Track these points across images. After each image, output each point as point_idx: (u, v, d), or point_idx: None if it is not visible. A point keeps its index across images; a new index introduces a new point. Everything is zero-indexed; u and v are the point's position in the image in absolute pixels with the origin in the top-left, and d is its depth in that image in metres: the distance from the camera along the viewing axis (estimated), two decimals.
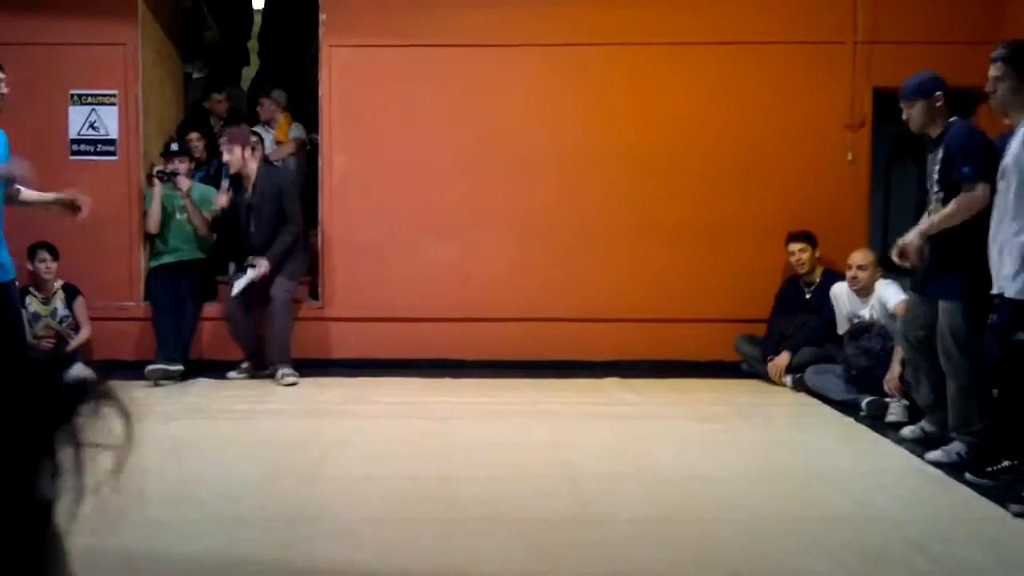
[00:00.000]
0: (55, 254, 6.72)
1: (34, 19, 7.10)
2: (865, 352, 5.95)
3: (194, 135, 7.71)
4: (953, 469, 4.58)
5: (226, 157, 6.83)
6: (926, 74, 4.95)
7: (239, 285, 6.70)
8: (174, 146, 7.21)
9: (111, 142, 7.20)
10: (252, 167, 6.83)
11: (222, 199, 6.92)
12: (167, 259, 7.11)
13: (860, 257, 6.23)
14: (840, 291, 6.36)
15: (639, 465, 4.74)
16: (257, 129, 7.75)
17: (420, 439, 5.22)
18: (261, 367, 6.87)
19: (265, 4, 9.10)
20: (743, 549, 3.61)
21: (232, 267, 7.31)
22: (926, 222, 4.86)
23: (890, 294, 6.01)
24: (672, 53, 7.23)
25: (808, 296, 6.81)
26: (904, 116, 4.99)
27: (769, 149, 7.25)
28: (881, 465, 4.80)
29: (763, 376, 6.74)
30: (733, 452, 4.99)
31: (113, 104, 7.18)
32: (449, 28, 7.22)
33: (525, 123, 7.27)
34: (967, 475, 4.41)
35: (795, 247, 6.79)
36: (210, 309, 7.16)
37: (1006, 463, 4.33)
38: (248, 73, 9.32)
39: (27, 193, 5.01)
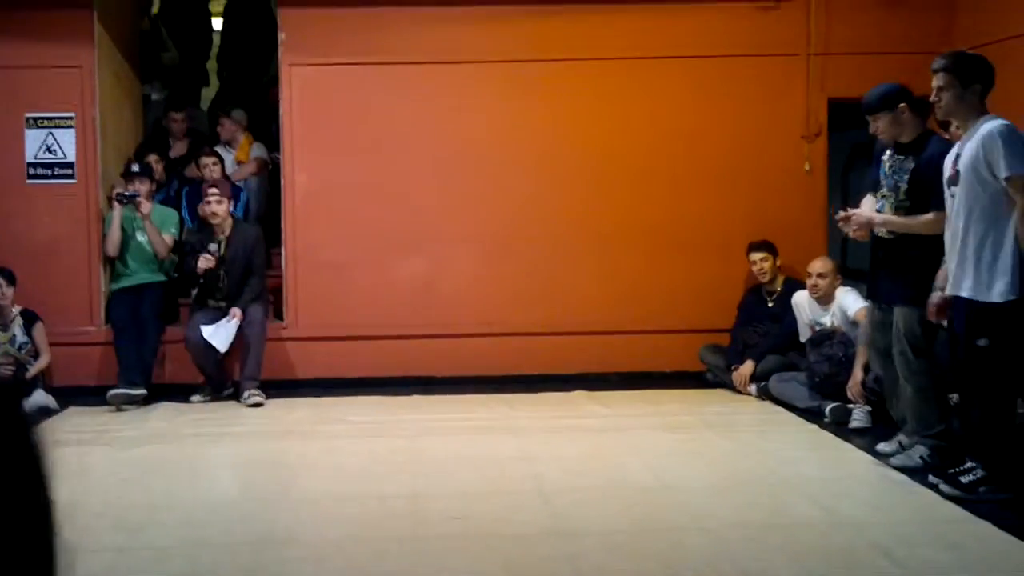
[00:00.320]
0: (12, 280, 6.61)
1: None
2: (827, 359, 6.01)
3: (153, 157, 7.63)
4: (917, 473, 4.65)
5: (215, 209, 6.80)
6: (889, 86, 4.98)
7: (220, 337, 6.66)
8: (135, 167, 7.15)
9: (69, 165, 7.12)
10: (229, 222, 6.92)
11: (210, 262, 6.81)
12: (127, 282, 7.03)
13: (820, 265, 6.31)
14: (801, 299, 6.43)
15: (609, 477, 4.76)
16: (218, 149, 7.71)
17: (389, 457, 5.21)
18: (221, 388, 6.82)
19: (224, 25, 9.07)
20: (712, 557, 3.63)
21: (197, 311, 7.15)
22: (886, 219, 4.89)
23: (850, 301, 6.08)
24: (632, 67, 7.29)
25: (770, 305, 6.88)
26: (871, 128, 5.01)
27: (728, 160, 7.32)
28: (846, 471, 4.86)
29: (728, 385, 6.80)
30: (700, 462, 5.03)
31: (70, 127, 7.10)
32: (409, 45, 7.23)
33: (488, 139, 7.29)
34: (930, 478, 4.47)
35: (756, 256, 6.86)
36: (172, 332, 7.09)
37: (970, 464, 4.38)
38: (208, 94, 9.27)
39: None
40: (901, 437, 5.21)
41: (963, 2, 7.08)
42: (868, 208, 5.04)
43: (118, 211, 6.99)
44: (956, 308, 4.42)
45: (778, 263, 6.86)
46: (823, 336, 6.15)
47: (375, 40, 7.22)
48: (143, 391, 6.59)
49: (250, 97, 8.52)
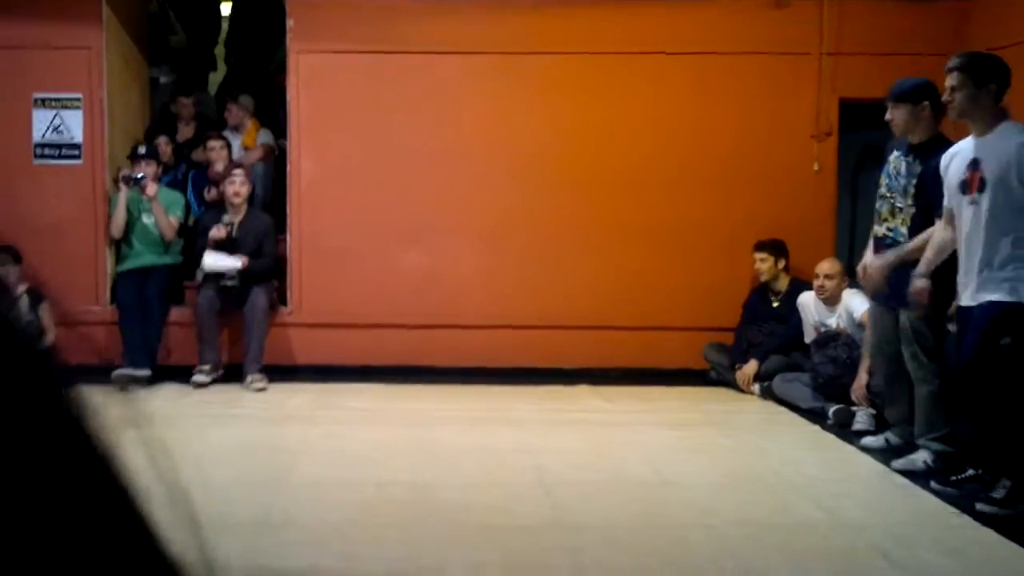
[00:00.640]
0: (18, 258, 6.63)
1: None
2: (832, 361, 5.99)
3: (162, 139, 7.64)
4: (920, 477, 4.64)
5: (238, 189, 6.87)
6: (919, 80, 4.93)
7: (214, 262, 6.70)
8: (142, 149, 7.14)
9: (76, 146, 7.12)
10: (245, 206, 6.99)
11: (222, 232, 6.83)
12: (133, 264, 7.04)
13: (827, 266, 6.28)
14: (807, 300, 6.41)
15: (610, 472, 4.75)
16: (225, 134, 7.70)
17: (389, 445, 5.19)
18: (219, 367, 6.84)
19: (232, 10, 9.05)
20: (712, 555, 3.62)
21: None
22: (894, 254, 4.84)
23: (857, 303, 6.06)
24: (640, 62, 7.27)
25: (775, 305, 6.86)
26: (888, 116, 4.95)
27: (736, 159, 7.30)
28: (847, 472, 4.84)
29: (731, 384, 6.79)
30: (702, 459, 5.01)
31: (78, 108, 7.10)
32: (417, 35, 7.21)
33: (494, 129, 7.27)
34: (932, 483, 4.46)
35: (757, 256, 6.85)
36: (177, 314, 7.09)
37: (971, 472, 4.37)
38: (215, 79, 9.25)
39: None
40: (889, 435, 5.22)
41: (978, 3, 7.04)
42: (870, 255, 5.04)
43: (124, 193, 6.98)
44: (972, 316, 4.28)
45: (782, 264, 6.83)
46: (828, 338, 6.13)
47: (383, 28, 7.21)
48: (147, 372, 6.60)
49: (257, 83, 8.50)
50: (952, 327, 4.70)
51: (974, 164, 4.29)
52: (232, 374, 6.86)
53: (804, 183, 7.29)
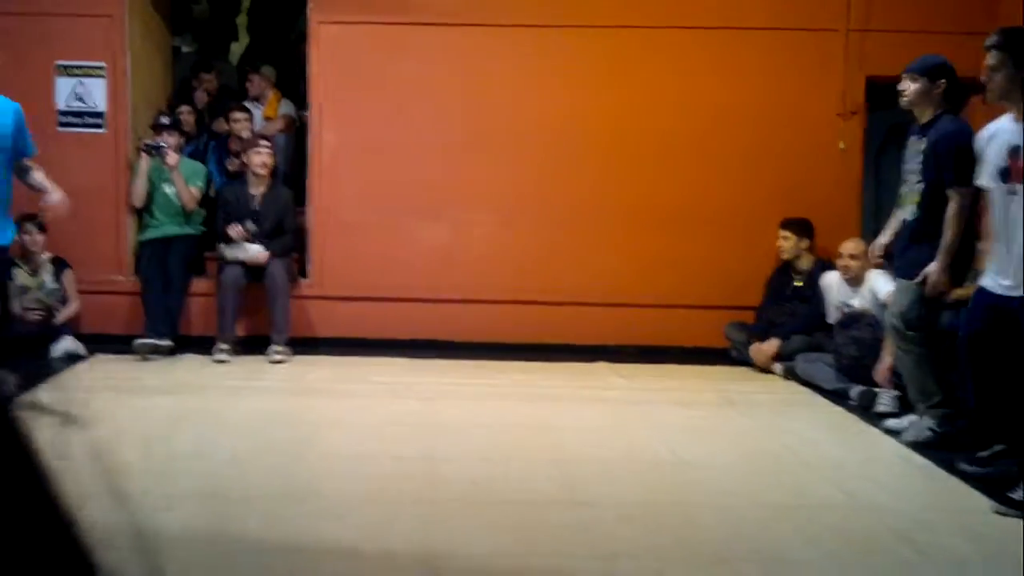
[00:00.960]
0: (42, 227, 6.65)
1: None
2: (855, 342, 5.94)
3: (184, 109, 7.64)
4: (929, 448, 4.64)
5: (265, 159, 6.89)
6: (939, 58, 4.88)
7: (234, 254, 6.71)
8: (164, 119, 7.14)
9: (99, 115, 7.13)
10: (268, 179, 6.99)
11: (241, 236, 6.83)
12: (155, 233, 7.06)
13: (852, 246, 6.21)
14: (831, 280, 6.34)
15: (626, 450, 4.73)
16: (246, 104, 7.69)
17: (407, 419, 5.20)
18: (237, 343, 6.84)
19: None
20: (728, 535, 3.59)
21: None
22: (942, 254, 4.68)
23: (881, 284, 5.98)
24: (665, 37, 7.19)
25: (798, 284, 6.80)
26: (900, 86, 4.91)
27: (761, 136, 7.22)
28: (869, 455, 4.80)
29: (752, 363, 6.74)
30: (721, 438, 4.98)
31: (101, 76, 7.10)
32: (438, 6, 7.17)
33: (516, 103, 7.22)
34: (962, 465, 4.36)
35: (781, 233, 6.80)
36: (199, 285, 7.11)
37: (998, 448, 4.29)
38: (237, 49, 9.23)
39: (35, 176, 4.93)
40: (913, 416, 5.17)
41: None
42: (885, 238, 5.18)
43: (145, 162, 6.99)
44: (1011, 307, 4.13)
45: (805, 244, 6.76)
46: (852, 318, 6.06)
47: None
48: (169, 342, 6.63)
49: (279, 54, 8.47)
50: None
51: (1015, 152, 4.09)
52: (253, 345, 6.88)
53: (829, 162, 7.21)
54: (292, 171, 7.66)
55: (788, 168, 7.21)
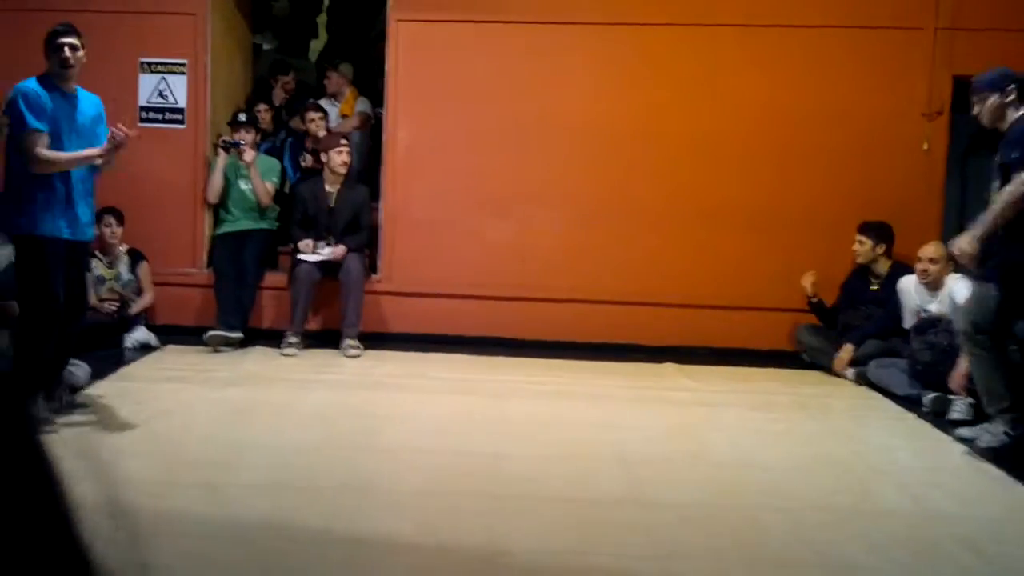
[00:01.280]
0: (120, 219, 6.84)
1: None
2: (931, 347, 5.79)
3: (262, 106, 7.77)
4: (1004, 455, 4.54)
5: (345, 159, 6.96)
6: (999, 69, 4.84)
7: (313, 256, 6.81)
8: (242, 116, 7.28)
9: (179, 111, 7.29)
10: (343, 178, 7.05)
11: (310, 257, 6.88)
12: (229, 228, 7.20)
13: (932, 250, 6.06)
14: (908, 284, 6.20)
15: (691, 451, 4.67)
16: (323, 102, 7.79)
17: (471, 415, 5.22)
18: (306, 336, 6.92)
19: None
20: (790, 539, 3.53)
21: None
22: (979, 225, 4.70)
23: (960, 289, 5.81)
24: (745, 35, 7.09)
25: (875, 288, 6.66)
26: (974, 111, 4.89)
27: (843, 137, 7.08)
28: (940, 462, 4.67)
29: (824, 367, 6.62)
30: (788, 442, 4.90)
31: (182, 73, 7.26)
32: (517, 4, 7.17)
33: (590, 102, 7.19)
34: None
35: (857, 238, 6.67)
36: (271, 279, 7.23)
37: None
38: (316, 46, 9.36)
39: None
40: (988, 425, 5.03)
41: None
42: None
43: (222, 158, 7.13)
44: None
45: (881, 249, 6.61)
46: (928, 323, 5.91)
47: None
48: (240, 334, 6.74)
49: (357, 51, 8.56)
50: None
51: None
52: (323, 339, 6.97)
53: (912, 163, 7.04)
54: (366, 168, 7.73)
55: (870, 169, 7.06)
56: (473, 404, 5.47)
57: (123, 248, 6.93)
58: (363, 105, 8.00)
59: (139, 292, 6.95)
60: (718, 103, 7.14)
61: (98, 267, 6.82)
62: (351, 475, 4.15)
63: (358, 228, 7.05)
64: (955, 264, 6.06)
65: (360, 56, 8.53)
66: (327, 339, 6.95)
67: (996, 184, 4.75)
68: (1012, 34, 6.79)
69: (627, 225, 7.20)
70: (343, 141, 7.02)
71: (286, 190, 7.49)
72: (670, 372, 6.54)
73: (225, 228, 7.22)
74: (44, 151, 4.65)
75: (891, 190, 6.97)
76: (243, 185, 7.17)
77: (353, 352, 6.69)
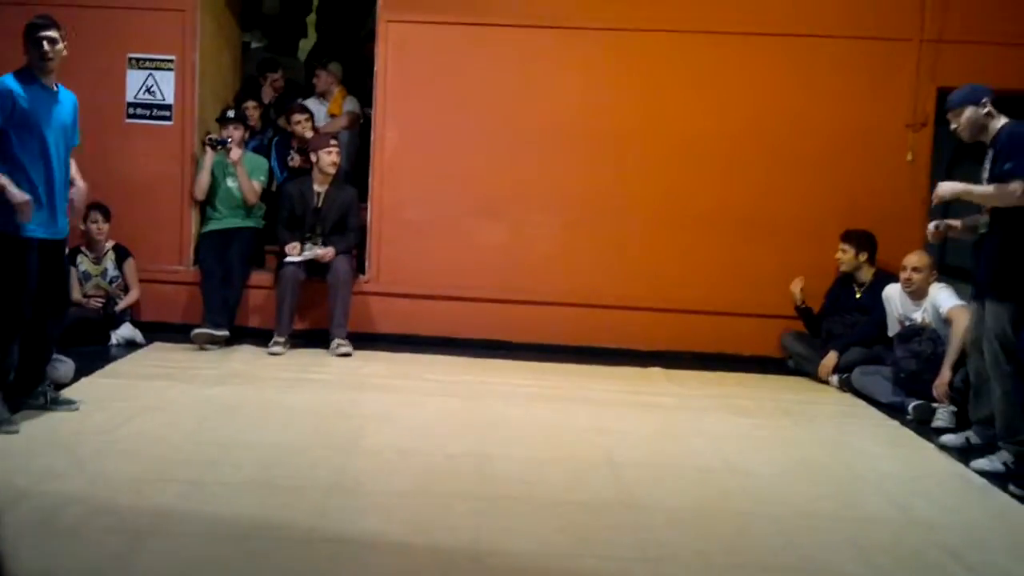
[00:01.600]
0: (107, 215, 6.80)
1: None
2: (915, 355, 5.84)
3: (251, 103, 7.75)
4: (999, 479, 4.49)
5: (335, 159, 6.93)
6: (968, 85, 4.88)
7: (299, 256, 6.80)
8: (230, 113, 7.25)
9: (167, 107, 7.26)
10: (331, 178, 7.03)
11: (295, 258, 6.88)
12: (216, 226, 7.17)
13: (915, 259, 6.10)
14: (893, 292, 6.24)
15: (679, 455, 4.70)
16: (310, 101, 7.78)
17: (460, 417, 5.22)
18: (293, 336, 6.90)
19: None
20: (776, 544, 3.56)
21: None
22: (966, 187, 4.74)
23: (944, 298, 5.88)
24: (734, 43, 7.13)
25: (859, 296, 6.70)
26: (952, 127, 4.90)
27: (827, 146, 7.13)
28: (924, 470, 4.71)
29: (809, 374, 6.66)
30: (773, 448, 4.92)
31: (170, 70, 7.23)
32: (507, 7, 7.18)
33: (581, 107, 7.21)
34: (1011, 486, 4.31)
35: (840, 246, 6.72)
36: (257, 277, 7.21)
37: None
38: (305, 45, 9.35)
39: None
40: (971, 434, 5.08)
41: None
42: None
43: (209, 156, 7.11)
44: None
45: (863, 257, 6.66)
46: (912, 332, 5.96)
47: (473, 0, 7.19)
48: (226, 332, 6.72)
49: (346, 51, 8.55)
50: None
51: None
52: (310, 339, 6.96)
53: (896, 173, 7.10)
54: (354, 168, 7.72)
55: (854, 178, 7.11)
56: (460, 406, 5.47)
57: (109, 244, 6.90)
58: (352, 104, 7.99)
59: (125, 289, 6.92)
60: (706, 110, 7.17)
61: (84, 263, 6.79)
62: (337, 475, 4.15)
63: (345, 229, 7.03)
64: (939, 273, 6.13)
65: (349, 56, 8.52)
66: (312, 339, 6.93)
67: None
68: (997, 47, 6.85)
69: (614, 230, 7.23)
70: (333, 142, 7.00)
71: (273, 189, 7.47)
72: (656, 377, 6.56)
73: (212, 226, 7.19)
74: None
75: (876, 199, 7.03)
76: (230, 183, 7.15)
77: (344, 350, 6.68)
